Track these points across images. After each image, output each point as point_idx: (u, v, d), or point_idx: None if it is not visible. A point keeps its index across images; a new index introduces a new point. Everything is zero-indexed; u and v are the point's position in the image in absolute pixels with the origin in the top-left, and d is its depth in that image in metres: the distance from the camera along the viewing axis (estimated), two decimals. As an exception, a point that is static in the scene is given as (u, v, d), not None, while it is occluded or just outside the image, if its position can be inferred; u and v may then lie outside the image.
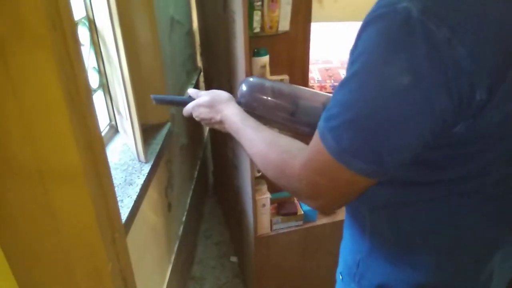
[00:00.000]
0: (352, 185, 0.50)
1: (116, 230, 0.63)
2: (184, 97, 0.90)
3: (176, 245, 1.67)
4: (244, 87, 0.84)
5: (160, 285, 1.46)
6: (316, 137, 0.51)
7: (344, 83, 0.47)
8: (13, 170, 0.55)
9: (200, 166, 2.32)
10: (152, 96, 0.90)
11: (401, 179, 0.53)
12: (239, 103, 0.81)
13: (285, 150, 0.59)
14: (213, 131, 2.49)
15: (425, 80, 0.42)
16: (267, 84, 0.85)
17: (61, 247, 0.60)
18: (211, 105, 0.79)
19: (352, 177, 0.48)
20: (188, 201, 1.98)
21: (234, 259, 2.08)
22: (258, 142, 0.65)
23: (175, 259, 1.62)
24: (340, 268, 0.73)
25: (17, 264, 0.58)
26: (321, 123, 0.50)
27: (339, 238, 1.66)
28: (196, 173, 2.22)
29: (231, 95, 0.81)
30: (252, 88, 0.84)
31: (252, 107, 0.81)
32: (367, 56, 0.44)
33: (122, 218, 1.01)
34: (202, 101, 0.81)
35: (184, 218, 1.85)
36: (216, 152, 2.44)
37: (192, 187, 2.10)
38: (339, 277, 0.72)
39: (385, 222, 0.58)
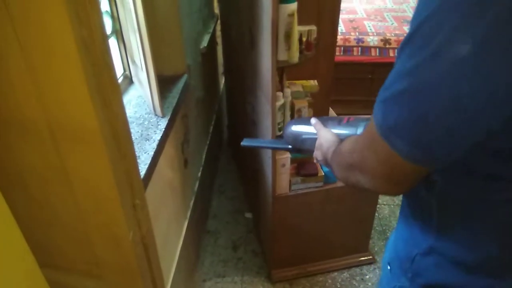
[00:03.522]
0: (399, 168, 0.43)
1: (137, 196, 0.57)
2: (281, 144, 0.89)
3: (192, 201, 1.65)
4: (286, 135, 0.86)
5: (177, 239, 1.45)
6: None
7: (400, 47, 0.41)
8: (20, 129, 0.49)
9: (215, 120, 2.26)
10: (243, 141, 0.94)
11: (481, 172, 0.45)
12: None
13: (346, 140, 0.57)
14: (228, 84, 2.39)
15: (488, 50, 0.34)
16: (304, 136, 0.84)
17: (77, 214, 0.55)
18: (324, 159, 0.72)
19: (397, 160, 0.42)
20: (204, 156, 1.93)
21: (248, 215, 2.07)
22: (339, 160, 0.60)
23: (191, 214, 1.60)
24: (388, 257, 0.66)
25: (31, 232, 0.53)
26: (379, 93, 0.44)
27: (360, 200, 1.62)
28: (211, 127, 2.16)
29: (337, 138, 0.70)
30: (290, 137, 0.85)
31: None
32: (425, 16, 0.37)
33: (140, 173, 0.96)
34: (319, 157, 0.75)
35: (199, 174, 1.81)
36: (232, 106, 2.35)
37: (208, 142, 2.04)
38: (386, 267, 0.66)
39: (457, 221, 0.50)
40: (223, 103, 2.62)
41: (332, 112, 1.76)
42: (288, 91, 1.35)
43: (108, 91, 0.49)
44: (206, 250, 1.89)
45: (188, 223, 1.56)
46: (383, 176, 0.45)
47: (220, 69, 2.48)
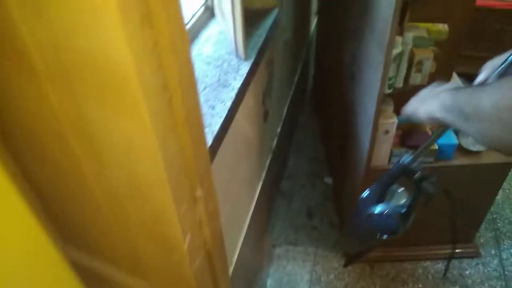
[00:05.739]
0: None
1: (200, 185, 0.36)
2: None
3: (269, 160, 1.45)
4: None
5: (249, 203, 1.28)
6: None
7: None
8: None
9: (301, 68, 1.97)
10: None
11: None
12: None
13: None
14: (321, 26, 2.05)
15: None
16: None
17: (113, 199, 0.36)
18: None
19: None
20: (285, 109, 1.70)
21: (328, 180, 1.84)
22: None
23: (266, 175, 1.41)
24: None
25: (57, 208, 0.36)
26: None
27: (479, 184, 1.28)
28: (296, 77, 1.89)
29: None
30: None
31: None
32: None
33: (213, 128, 0.77)
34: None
35: (279, 130, 1.60)
36: (323, 52, 2.03)
37: (291, 93, 1.79)
38: None
39: None
40: (312, 49, 2.30)
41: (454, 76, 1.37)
42: (409, 36, 1.02)
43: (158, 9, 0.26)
44: (278, 213, 1.72)
45: (262, 184, 1.37)
46: None
47: (314, 7, 2.13)
